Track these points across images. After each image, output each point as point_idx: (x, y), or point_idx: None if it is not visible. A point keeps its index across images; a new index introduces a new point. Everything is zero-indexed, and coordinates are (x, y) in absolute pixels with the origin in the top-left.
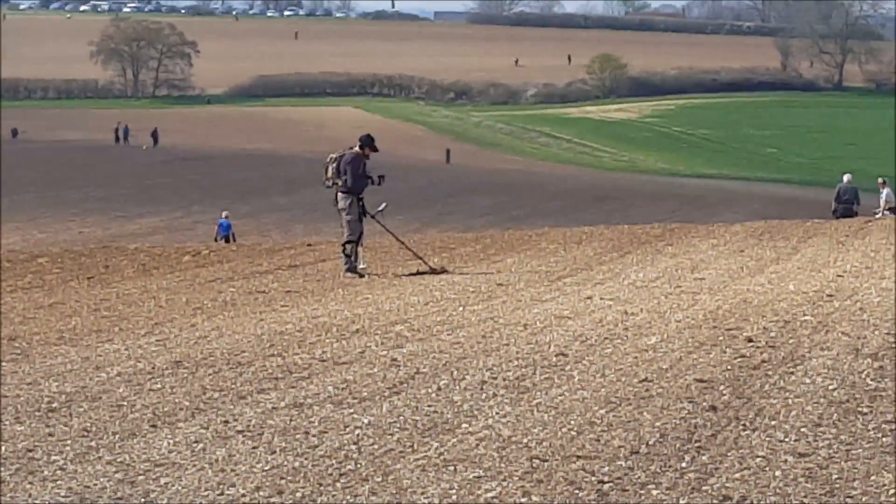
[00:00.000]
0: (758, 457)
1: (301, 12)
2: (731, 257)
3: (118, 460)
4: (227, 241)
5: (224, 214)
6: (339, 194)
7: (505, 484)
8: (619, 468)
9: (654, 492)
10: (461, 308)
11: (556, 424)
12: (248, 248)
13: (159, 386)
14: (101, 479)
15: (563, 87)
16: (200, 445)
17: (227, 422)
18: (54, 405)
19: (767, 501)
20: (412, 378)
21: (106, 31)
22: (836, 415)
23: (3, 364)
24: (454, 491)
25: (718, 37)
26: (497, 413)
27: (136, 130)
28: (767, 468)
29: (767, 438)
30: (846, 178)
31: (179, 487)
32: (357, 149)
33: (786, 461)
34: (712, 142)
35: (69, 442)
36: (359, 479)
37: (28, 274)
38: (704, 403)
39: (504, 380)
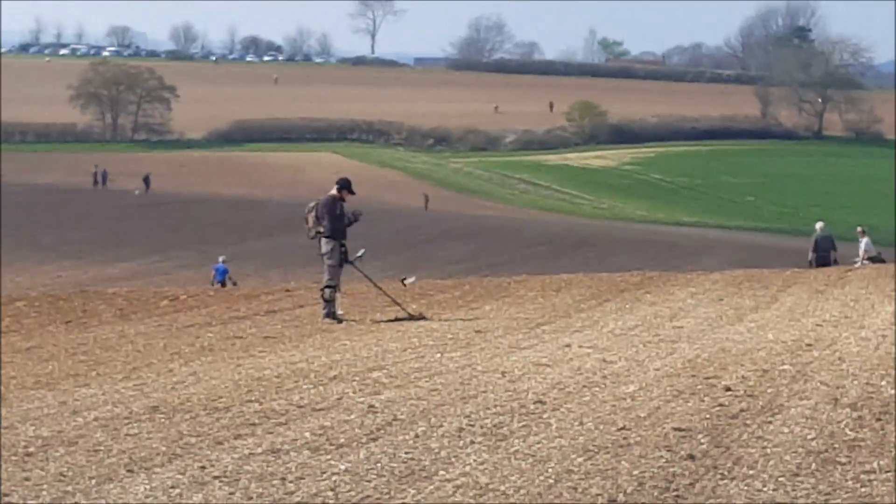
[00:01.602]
0: None
1: (280, 57)
2: (710, 306)
3: None
4: (223, 284)
5: (221, 259)
6: (323, 239)
7: None
8: None
9: None
10: (439, 355)
11: (534, 472)
12: (225, 293)
13: (136, 431)
14: None
15: (542, 134)
16: (177, 491)
17: (203, 467)
18: (31, 449)
19: None
20: (389, 425)
21: (85, 75)
22: (814, 465)
23: None
24: None
25: (698, 85)
26: (475, 460)
27: (115, 174)
28: None
29: (745, 488)
30: (818, 226)
31: None
32: (334, 192)
33: None
34: (691, 189)
35: (45, 487)
36: None
37: (5, 318)
38: (682, 452)
39: (482, 427)
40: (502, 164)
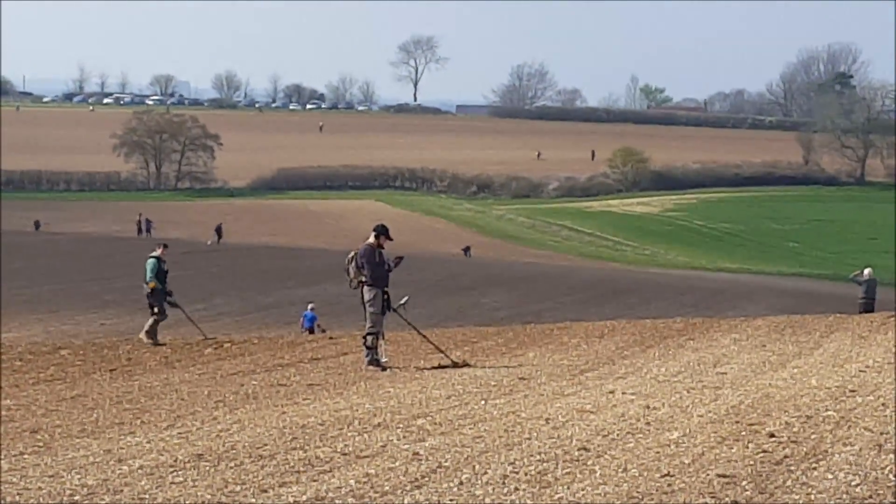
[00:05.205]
0: None
1: (323, 105)
2: (754, 352)
3: None
4: (312, 331)
5: (310, 307)
6: (365, 287)
7: None
8: None
9: None
10: (483, 402)
11: None
12: (269, 340)
13: (181, 479)
14: None
15: (584, 181)
16: None
17: None
18: (76, 498)
19: None
20: (434, 472)
21: (129, 124)
22: None
23: (26, 456)
24: None
25: (740, 131)
26: None
27: (159, 223)
28: None
29: None
30: (867, 271)
31: None
32: (372, 239)
33: None
34: (734, 235)
35: None
36: None
37: (50, 366)
38: (727, 499)
39: (526, 474)
40: (545, 210)
